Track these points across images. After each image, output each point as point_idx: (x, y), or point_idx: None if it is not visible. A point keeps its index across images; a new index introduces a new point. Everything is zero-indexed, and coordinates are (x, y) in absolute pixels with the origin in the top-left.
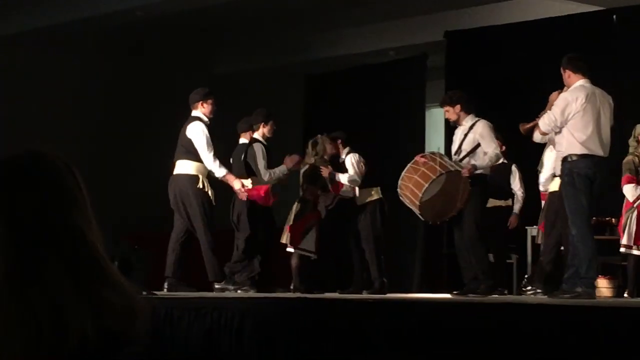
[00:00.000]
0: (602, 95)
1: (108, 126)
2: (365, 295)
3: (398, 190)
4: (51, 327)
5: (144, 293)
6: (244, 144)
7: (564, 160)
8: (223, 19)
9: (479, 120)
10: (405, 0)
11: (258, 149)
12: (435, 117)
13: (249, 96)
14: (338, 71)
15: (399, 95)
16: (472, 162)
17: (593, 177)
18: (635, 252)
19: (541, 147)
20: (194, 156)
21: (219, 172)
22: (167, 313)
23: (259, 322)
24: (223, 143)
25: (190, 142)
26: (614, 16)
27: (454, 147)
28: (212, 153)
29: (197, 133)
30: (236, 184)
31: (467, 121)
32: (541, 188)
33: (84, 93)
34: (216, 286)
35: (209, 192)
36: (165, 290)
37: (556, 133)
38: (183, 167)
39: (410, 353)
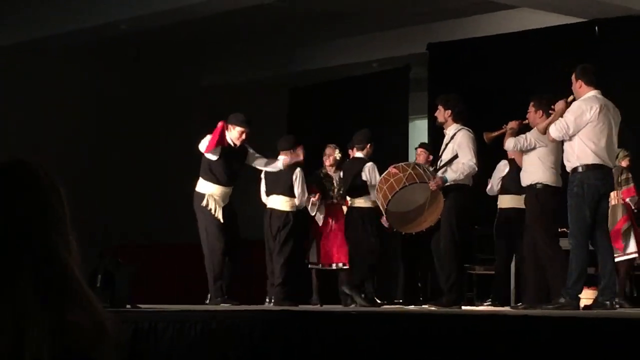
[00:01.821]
0: (613, 108)
1: (95, 137)
2: (350, 308)
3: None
4: (9, 341)
5: (128, 306)
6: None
7: (574, 170)
8: (208, 31)
9: (460, 129)
10: (388, 12)
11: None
12: (419, 129)
13: (233, 108)
14: (322, 83)
15: (382, 107)
16: (448, 172)
17: (602, 188)
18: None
19: None
20: (204, 174)
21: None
22: (151, 326)
23: (244, 335)
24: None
25: (206, 161)
26: (596, 28)
27: (439, 156)
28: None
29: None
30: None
31: (451, 130)
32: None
33: (72, 105)
34: (207, 302)
35: (216, 210)
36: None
37: (565, 142)
38: (197, 184)
39: None
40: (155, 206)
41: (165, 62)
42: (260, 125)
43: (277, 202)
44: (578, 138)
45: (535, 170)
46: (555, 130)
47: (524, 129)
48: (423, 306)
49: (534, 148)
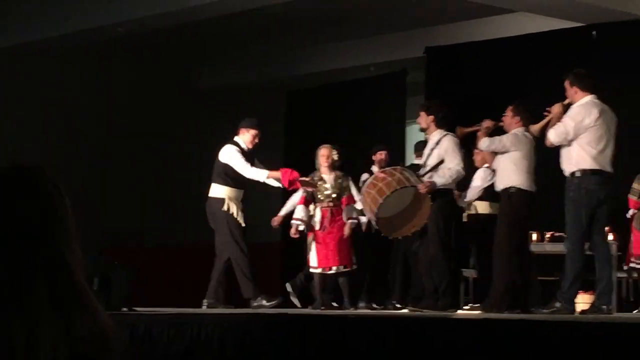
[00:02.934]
0: (611, 112)
1: (92, 139)
2: (349, 311)
3: (362, 205)
4: (24, 347)
5: (124, 309)
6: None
7: (572, 175)
8: (205, 34)
9: (446, 135)
10: (385, 16)
11: None
12: (415, 133)
13: (230, 111)
14: (319, 87)
15: (379, 111)
16: (435, 177)
17: (600, 194)
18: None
19: None
20: (219, 178)
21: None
22: (147, 329)
23: (240, 338)
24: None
25: (220, 165)
26: (594, 32)
27: (422, 162)
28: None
29: (228, 154)
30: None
31: (435, 135)
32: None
33: (68, 108)
34: (253, 304)
35: (237, 213)
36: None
37: (563, 146)
38: (212, 190)
39: None
40: (154, 208)
41: (162, 64)
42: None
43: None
44: (576, 143)
45: (510, 175)
46: (554, 136)
47: (498, 131)
48: (403, 310)
49: (508, 151)
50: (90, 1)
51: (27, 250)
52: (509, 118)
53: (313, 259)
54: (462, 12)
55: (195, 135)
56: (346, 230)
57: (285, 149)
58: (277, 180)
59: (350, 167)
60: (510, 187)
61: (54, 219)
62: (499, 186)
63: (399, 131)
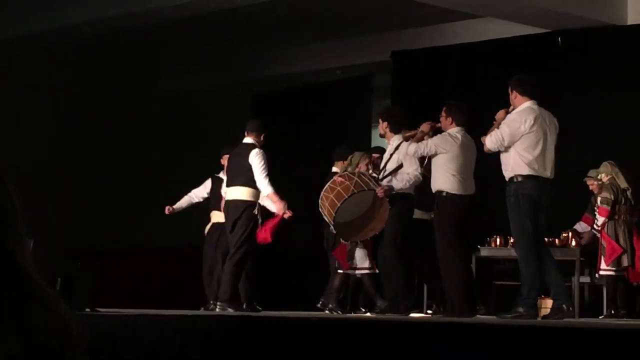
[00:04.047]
0: (549, 118)
1: (55, 141)
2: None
3: (319, 209)
4: None
5: (87, 310)
6: None
7: (510, 180)
8: (171, 36)
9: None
10: (352, 20)
11: None
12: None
13: (195, 113)
14: (285, 89)
15: (345, 114)
16: (393, 182)
17: (538, 198)
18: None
19: None
20: (251, 182)
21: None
22: (110, 330)
23: (202, 340)
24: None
25: (243, 168)
26: (559, 38)
27: (381, 166)
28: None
29: (258, 157)
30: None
31: (394, 140)
32: None
33: (33, 107)
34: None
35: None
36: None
37: (501, 152)
38: (244, 193)
39: None
40: (115, 210)
41: (127, 66)
42: (222, 130)
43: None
44: (513, 149)
45: (439, 178)
46: (490, 142)
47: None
48: (367, 314)
49: (435, 154)
50: (53, 0)
51: None
52: (444, 119)
53: (363, 260)
54: (428, 17)
55: (161, 138)
56: None
57: None
58: (273, 204)
59: (317, 170)
60: (440, 192)
61: (2, 217)
62: (432, 189)
63: (364, 134)
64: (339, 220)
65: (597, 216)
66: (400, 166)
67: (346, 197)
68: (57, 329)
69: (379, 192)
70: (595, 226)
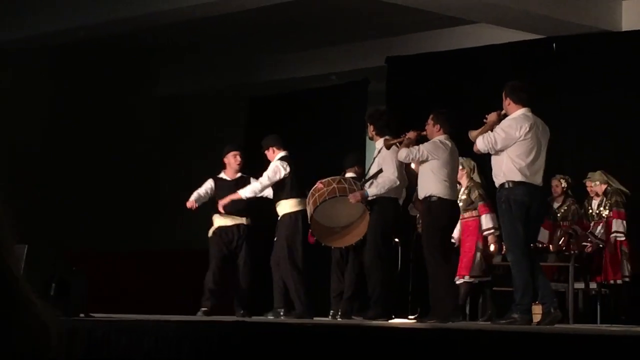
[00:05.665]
0: (543, 126)
1: (50, 145)
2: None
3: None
4: None
5: (82, 315)
6: None
7: (501, 186)
8: (166, 39)
9: None
10: (347, 25)
11: None
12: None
13: (191, 118)
14: (281, 94)
15: (341, 120)
16: (370, 186)
17: (529, 204)
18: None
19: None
20: (293, 193)
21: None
22: (104, 336)
23: (197, 346)
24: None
25: (283, 181)
26: (554, 44)
27: (366, 170)
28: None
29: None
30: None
31: (379, 144)
32: None
33: (28, 111)
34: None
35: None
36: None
37: (493, 158)
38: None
39: None
40: (110, 214)
41: (123, 70)
42: (217, 136)
43: None
44: (506, 154)
45: (429, 183)
46: (482, 143)
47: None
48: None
49: (427, 160)
50: (49, 4)
51: None
52: (430, 127)
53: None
54: (423, 23)
55: (156, 142)
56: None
57: (246, 155)
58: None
59: (312, 175)
60: (429, 196)
61: None
62: (420, 195)
63: (360, 140)
64: (315, 225)
65: (615, 220)
66: (380, 171)
67: (318, 203)
68: (38, 333)
69: (351, 198)
70: (600, 230)
